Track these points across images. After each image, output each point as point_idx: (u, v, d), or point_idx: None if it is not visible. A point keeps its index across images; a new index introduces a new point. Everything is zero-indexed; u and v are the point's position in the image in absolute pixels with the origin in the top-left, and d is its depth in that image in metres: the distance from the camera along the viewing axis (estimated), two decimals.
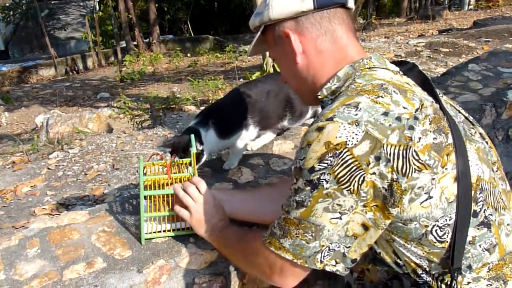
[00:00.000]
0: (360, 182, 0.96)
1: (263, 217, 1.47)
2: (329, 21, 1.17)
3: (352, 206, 0.98)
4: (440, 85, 2.83)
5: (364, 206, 0.98)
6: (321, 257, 1.03)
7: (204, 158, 1.80)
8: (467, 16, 14.69)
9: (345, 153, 0.95)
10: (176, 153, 1.72)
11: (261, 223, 1.47)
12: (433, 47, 7.15)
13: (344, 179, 0.96)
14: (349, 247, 1.02)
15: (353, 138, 0.95)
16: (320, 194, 0.98)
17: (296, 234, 1.03)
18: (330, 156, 0.96)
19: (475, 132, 1.17)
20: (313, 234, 1.01)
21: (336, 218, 0.99)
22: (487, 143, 1.19)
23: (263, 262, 1.13)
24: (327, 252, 1.03)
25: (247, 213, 1.50)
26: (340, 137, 0.96)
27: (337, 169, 0.96)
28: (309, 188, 0.99)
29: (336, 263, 1.04)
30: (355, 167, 0.95)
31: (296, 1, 1.14)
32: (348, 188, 0.96)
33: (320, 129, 0.99)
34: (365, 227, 1.00)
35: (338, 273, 1.05)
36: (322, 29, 1.16)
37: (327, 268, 1.04)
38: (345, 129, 0.96)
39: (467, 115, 1.23)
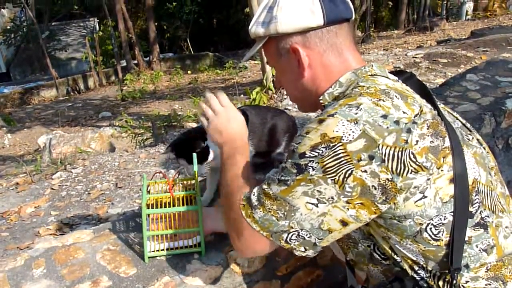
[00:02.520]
0: (346, 176, 0.98)
1: None
2: (336, 35, 1.18)
3: (332, 198, 1.01)
4: (439, 95, 2.85)
5: (347, 202, 1.01)
6: (287, 237, 1.07)
7: (211, 157, 1.71)
8: (464, 26, 14.77)
9: (338, 147, 0.98)
10: (179, 156, 1.69)
11: None
12: (431, 58, 7.19)
13: (331, 169, 0.99)
14: (322, 239, 1.06)
15: (349, 134, 0.98)
16: (303, 179, 1.02)
17: (269, 208, 1.07)
18: (323, 147, 0.99)
19: (472, 138, 1.19)
20: (285, 213, 1.05)
21: (312, 203, 1.02)
22: (484, 148, 1.21)
23: (232, 222, 1.17)
24: (295, 236, 1.07)
25: None
26: (337, 131, 0.99)
27: (327, 160, 0.99)
28: (295, 171, 1.03)
29: (305, 250, 1.09)
30: (345, 161, 0.98)
31: (306, 17, 1.14)
32: (333, 178, 0.99)
33: (320, 122, 1.03)
34: (344, 223, 1.04)
35: (307, 256, 1.10)
36: (329, 44, 1.18)
37: (296, 252, 1.09)
38: (343, 125, 1.00)
39: (464, 121, 1.25)
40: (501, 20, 14.85)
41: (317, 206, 1.02)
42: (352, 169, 0.98)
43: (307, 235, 1.06)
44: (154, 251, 1.52)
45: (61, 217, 3.60)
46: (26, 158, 6.69)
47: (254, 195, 1.12)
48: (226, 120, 1.38)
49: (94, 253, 1.56)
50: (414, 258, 1.08)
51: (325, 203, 1.01)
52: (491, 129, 2.51)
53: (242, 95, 8.83)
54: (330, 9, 1.14)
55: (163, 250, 1.53)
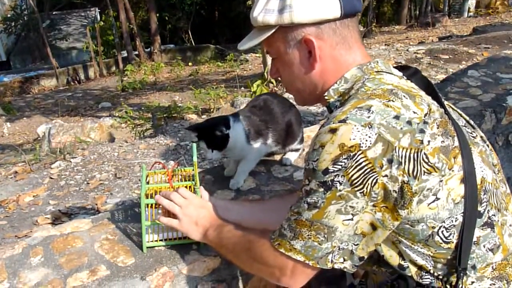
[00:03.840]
0: (372, 185, 0.96)
1: (270, 227, 1.47)
2: (348, 28, 1.15)
3: (363, 207, 0.98)
4: (440, 91, 2.82)
5: (374, 206, 0.98)
6: (332, 257, 1.03)
7: (232, 143, 1.74)
8: (466, 23, 14.72)
9: (359, 155, 0.96)
10: (201, 138, 1.72)
11: None
12: (433, 54, 7.18)
13: (358, 181, 0.96)
14: (357, 244, 1.03)
15: (366, 140, 0.96)
16: (333, 196, 0.99)
17: (308, 235, 1.03)
18: (344, 158, 0.96)
19: (476, 135, 1.18)
20: (326, 236, 1.01)
21: (348, 219, 0.99)
22: (488, 146, 1.20)
23: (272, 264, 1.12)
24: (337, 251, 1.03)
25: (255, 223, 1.47)
26: (354, 139, 0.96)
27: (351, 171, 0.96)
28: (322, 189, 0.99)
29: (344, 260, 1.04)
30: (368, 170, 0.96)
31: (324, 8, 1.11)
32: (362, 191, 0.97)
33: (333, 131, 0.99)
34: (373, 227, 1.01)
35: (345, 270, 1.05)
36: (341, 36, 1.15)
37: (336, 266, 1.04)
38: (358, 131, 0.97)
39: (468, 118, 1.24)
40: (503, 17, 14.81)
41: (352, 220, 0.99)
42: (376, 177, 0.96)
43: (345, 244, 1.02)
44: (152, 241, 1.52)
45: (60, 207, 3.60)
46: (25, 147, 6.68)
47: (285, 229, 1.08)
48: (195, 210, 1.41)
49: (92, 242, 1.56)
50: (423, 262, 1.06)
51: (358, 213, 0.99)
52: (491, 126, 2.51)
53: (243, 88, 8.82)
54: (346, 1, 1.12)
55: (161, 240, 1.53)
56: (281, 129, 1.87)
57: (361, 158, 0.96)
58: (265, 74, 7.43)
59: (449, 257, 1.05)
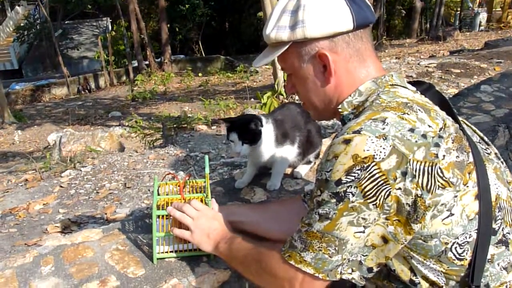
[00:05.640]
0: (385, 197, 0.95)
1: (267, 235, 1.46)
2: (361, 40, 1.15)
3: (375, 219, 0.97)
4: (452, 106, 2.83)
5: (386, 219, 0.97)
6: (341, 269, 1.02)
7: (261, 142, 1.76)
8: (478, 37, 14.71)
9: (372, 166, 0.95)
10: (233, 130, 1.73)
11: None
12: (444, 68, 7.15)
13: (371, 193, 0.95)
14: (366, 255, 1.01)
15: (380, 152, 0.95)
16: (345, 207, 0.97)
17: (319, 247, 1.02)
18: (358, 169, 0.95)
19: (491, 152, 1.16)
20: (336, 248, 1.00)
21: (359, 232, 0.98)
22: (502, 163, 1.18)
23: (282, 276, 1.11)
24: (347, 263, 1.02)
25: (252, 230, 1.47)
26: (368, 150, 0.95)
27: (364, 183, 0.95)
28: (334, 200, 0.98)
29: (352, 271, 1.03)
30: (382, 182, 0.95)
31: (336, 21, 1.11)
32: (374, 203, 0.96)
33: (347, 142, 0.98)
34: (385, 240, 1.00)
35: (353, 281, 1.04)
36: (354, 49, 1.15)
37: (344, 277, 1.03)
38: (372, 142, 0.96)
39: (482, 135, 1.23)
40: None
41: (364, 232, 0.98)
42: (389, 189, 0.94)
43: (355, 256, 1.01)
44: (163, 252, 1.51)
45: (69, 215, 3.61)
46: (35, 155, 6.72)
47: (296, 241, 1.07)
48: (207, 222, 1.41)
49: (103, 252, 1.55)
50: (435, 279, 1.05)
51: (370, 225, 0.98)
52: (504, 141, 2.49)
53: (252, 99, 8.83)
54: (358, 13, 1.11)
55: (172, 252, 1.52)
56: (304, 136, 1.90)
57: (374, 169, 0.95)
58: (275, 85, 7.43)
59: (462, 274, 1.03)
